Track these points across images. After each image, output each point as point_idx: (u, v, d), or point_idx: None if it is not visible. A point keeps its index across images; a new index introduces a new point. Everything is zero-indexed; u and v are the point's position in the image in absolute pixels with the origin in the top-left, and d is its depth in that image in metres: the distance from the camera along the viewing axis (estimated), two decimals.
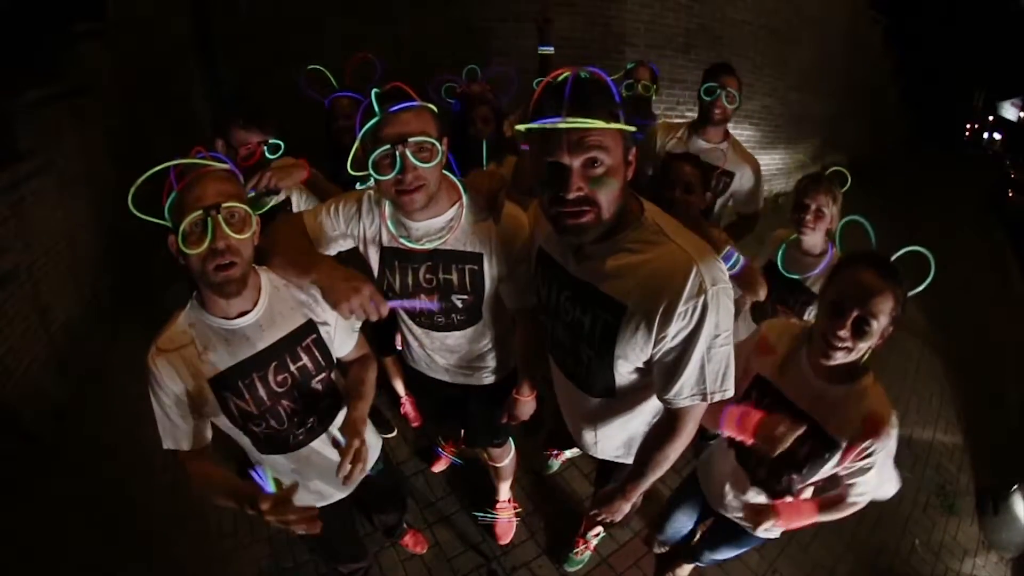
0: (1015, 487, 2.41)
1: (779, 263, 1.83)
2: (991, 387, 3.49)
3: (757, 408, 1.22)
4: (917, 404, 3.18)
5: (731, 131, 2.20)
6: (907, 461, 2.66)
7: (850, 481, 1.21)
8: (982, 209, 8.74)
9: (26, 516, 2.06)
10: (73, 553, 1.94)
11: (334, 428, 1.25)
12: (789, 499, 1.30)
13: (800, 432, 1.10)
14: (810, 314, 1.78)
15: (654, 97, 2.47)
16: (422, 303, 1.26)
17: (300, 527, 0.91)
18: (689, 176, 1.60)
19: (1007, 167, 10.60)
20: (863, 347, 1.07)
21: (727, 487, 1.41)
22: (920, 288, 1.13)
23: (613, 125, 0.85)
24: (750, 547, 1.61)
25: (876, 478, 1.18)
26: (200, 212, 0.91)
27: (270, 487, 0.94)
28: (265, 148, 1.50)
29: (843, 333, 1.05)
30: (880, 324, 1.03)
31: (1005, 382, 3.57)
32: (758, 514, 1.28)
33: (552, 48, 2.31)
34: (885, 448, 1.12)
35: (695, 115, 2.21)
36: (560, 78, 0.86)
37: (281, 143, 1.54)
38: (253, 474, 0.95)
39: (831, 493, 1.29)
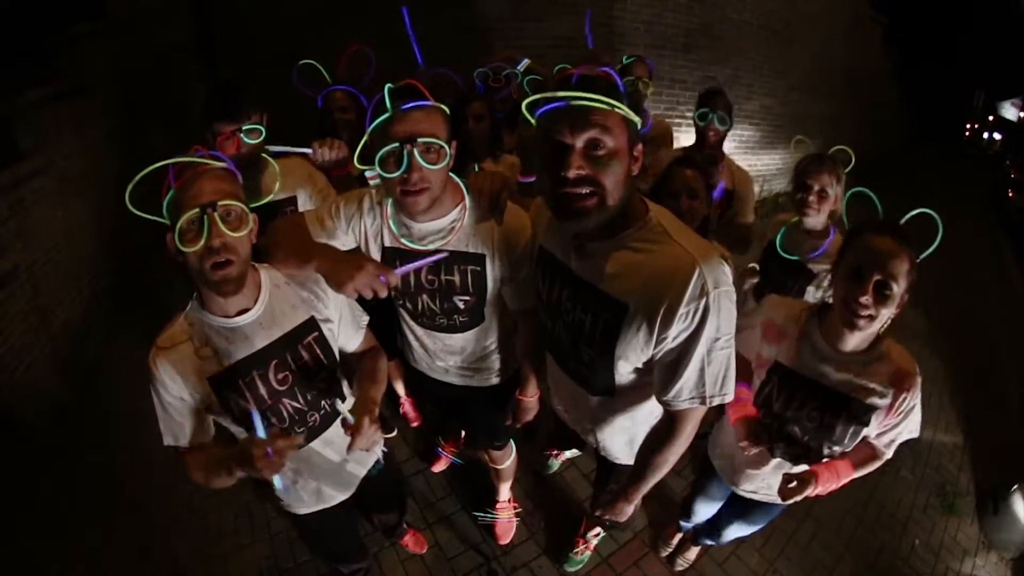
0: (1015, 487, 2.40)
1: (778, 244, 1.82)
2: (991, 387, 3.49)
3: (780, 394, 1.26)
4: None
5: (731, 132, 2.22)
6: (907, 461, 2.66)
7: (885, 438, 1.23)
8: (982, 209, 8.74)
9: (26, 516, 2.06)
10: (73, 553, 1.94)
11: (337, 424, 1.25)
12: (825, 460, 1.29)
13: (759, 449, 1.25)
14: (809, 295, 1.77)
15: (650, 94, 2.49)
16: (429, 259, 1.18)
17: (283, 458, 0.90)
18: (691, 181, 1.59)
19: (1007, 167, 10.60)
20: (885, 314, 1.07)
21: (743, 463, 1.40)
22: (930, 250, 1.14)
23: (616, 105, 0.86)
24: (764, 524, 1.61)
25: (906, 425, 1.20)
26: (196, 210, 0.91)
27: (262, 431, 0.94)
28: (242, 135, 1.48)
29: (865, 299, 1.06)
30: (900, 287, 1.05)
31: (1005, 382, 3.57)
32: (797, 486, 1.24)
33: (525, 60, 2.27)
34: (917, 397, 1.15)
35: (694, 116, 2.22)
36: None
37: (261, 128, 1.52)
38: (251, 415, 0.95)
39: (862, 450, 1.28)
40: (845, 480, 1.26)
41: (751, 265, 1.89)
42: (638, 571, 2.03)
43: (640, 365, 1.04)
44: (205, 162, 0.96)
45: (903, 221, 1.12)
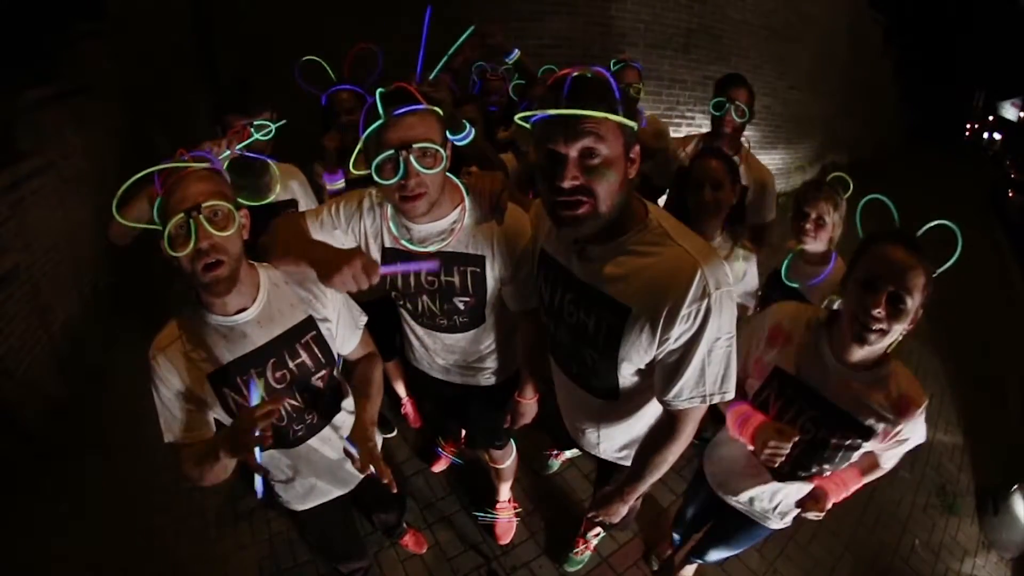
0: (1015, 487, 2.40)
1: (783, 272, 1.82)
2: (991, 387, 3.49)
3: (777, 401, 1.20)
4: None
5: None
6: (907, 461, 2.65)
7: (884, 455, 1.22)
8: (982, 209, 8.74)
9: (26, 516, 2.06)
10: (73, 553, 1.94)
11: (338, 420, 1.26)
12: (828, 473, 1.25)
13: (794, 440, 1.08)
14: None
15: (642, 96, 2.46)
16: (420, 265, 1.20)
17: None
18: (716, 171, 1.56)
19: (1007, 167, 10.61)
20: (897, 329, 1.01)
21: (740, 473, 1.38)
22: (948, 264, 1.07)
23: (610, 116, 0.84)
24: (753, 543, 1.60)
25: (907, 444, 1.16)
26: (182, 215, 0.91)
27: (256, 398, 0.96)
28: (252, 129, 1.50)
29: (878, 312, 0.99)
30: (914, 302, 0.98)
31: (1005, 382, 3.57)
32: (813, 502, 1.25)
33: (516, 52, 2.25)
34: (919, 426, 1.11)
35: (694, 116, 2.20)
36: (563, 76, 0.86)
37: (270, 124, 1.55)
38: (250, 383, 1.00)
39: (866, 458, 1.27)
40: (854, 488, 1.26)
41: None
42: (638, 571, 2.03)
43: (643, 366, 1.04)
44: (187, 165, 0.95)
45: (920, 233, 1.05)
